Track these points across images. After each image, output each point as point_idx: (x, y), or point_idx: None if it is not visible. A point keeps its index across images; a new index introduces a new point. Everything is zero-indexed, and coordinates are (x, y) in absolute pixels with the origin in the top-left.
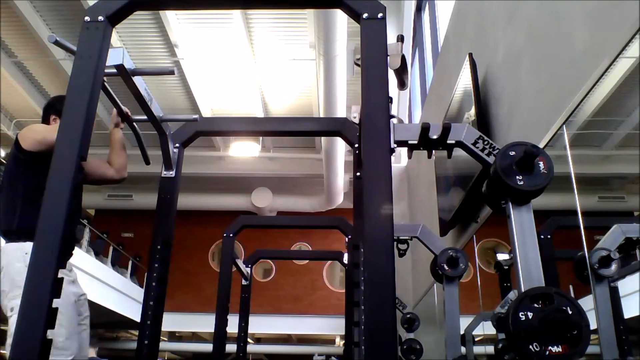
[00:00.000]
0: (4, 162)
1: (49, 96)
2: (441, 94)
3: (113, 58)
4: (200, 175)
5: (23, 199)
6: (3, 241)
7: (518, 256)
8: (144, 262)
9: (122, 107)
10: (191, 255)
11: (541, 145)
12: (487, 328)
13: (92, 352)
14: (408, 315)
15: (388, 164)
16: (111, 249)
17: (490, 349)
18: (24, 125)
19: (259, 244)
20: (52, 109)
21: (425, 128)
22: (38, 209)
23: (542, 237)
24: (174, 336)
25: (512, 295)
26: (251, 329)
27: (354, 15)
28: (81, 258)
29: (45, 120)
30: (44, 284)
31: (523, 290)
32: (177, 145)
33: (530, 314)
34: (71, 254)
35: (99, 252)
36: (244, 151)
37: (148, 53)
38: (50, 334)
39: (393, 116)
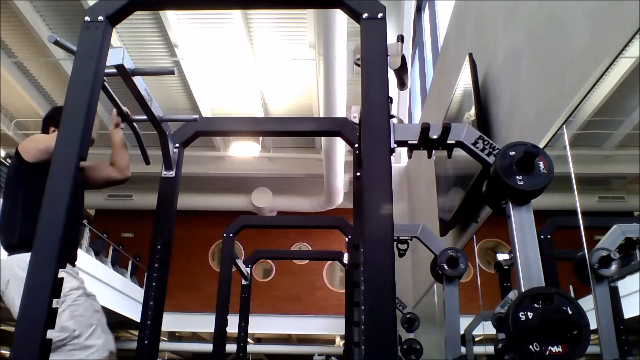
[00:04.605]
0: (4, 162)
1: (48, 96)
2: (441, 94)
3: (113, 58)
4: (200, 175)
5: (23, 211)
6: (4, 254)
7: (518, 256)
8: (144, 262)
9: (122, 107)
10: (191, 255)
11: (541, 145)
12: (487, 328)
13: None
14: (408, 315)
15: (388, 164)
16: (111, 249)
17: (490, 349)
18: (24, 126)
19: (259, 244)
20: (52, 120)
21: (425, 128)
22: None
23: (542, 237)
24: (174, 336)
25: (512, 295)
26: (251, 329)
27: (354, 15)
28: (81, 258)
29: (45, 132)
30: (44, 284)
31: (523, 290)
32: (177, 145)
33: (530, 314)
34: (75, 258)
35: (99, 252)
36: (244, 151)
37: (148, 53)
38: (50, 334)
39: (393, 116)
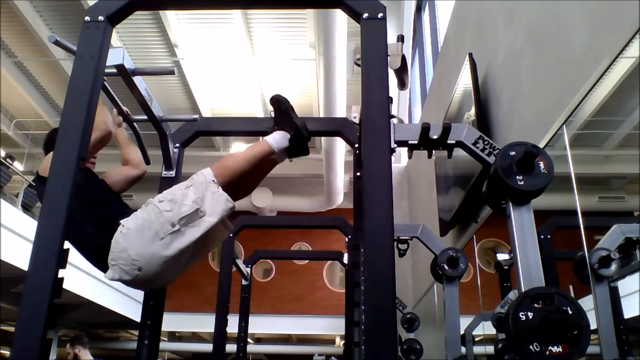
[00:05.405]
0: (4, 162)
1: (48, 96)
2: (441, 94)
3: (113, 58)
4: None
5: (85, 221)
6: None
7: (518, 256)
8: None
9: (122, 107)
10: None
11: (541, 145)
12: (487, 328)
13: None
14: (408, 315)
15: (388, 164)
16: None
17: (490, 349)
18: (24, 126)
19: (259, 244)
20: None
21: (425, 128)
22: (100, 219)
23: (542, 237)
24: (174, 336)
25: (512, 295)
26: (251, 329)
27: (354, 15)
28: (81, 258)
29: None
30: (44, 284)
31: (523, 290)
32: (177, 145)
33: (530, 314)
34: None
35: None
36: None
37: (148, 53)
38: (50, 333)
39: (393, 116)
